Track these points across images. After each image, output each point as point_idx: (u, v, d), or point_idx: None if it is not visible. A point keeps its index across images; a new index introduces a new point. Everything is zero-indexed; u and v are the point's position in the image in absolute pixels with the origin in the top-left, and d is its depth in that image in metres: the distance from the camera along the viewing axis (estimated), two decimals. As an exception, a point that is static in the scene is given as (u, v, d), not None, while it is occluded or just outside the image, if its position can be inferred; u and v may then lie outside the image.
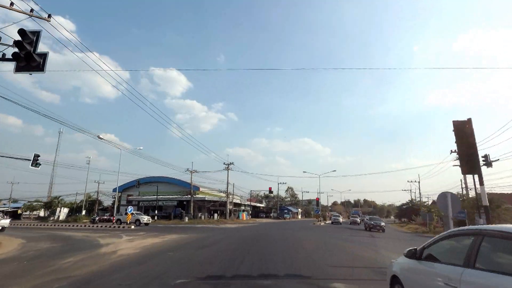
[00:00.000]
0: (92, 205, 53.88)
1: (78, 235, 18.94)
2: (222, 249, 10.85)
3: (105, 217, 36.31)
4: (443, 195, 8.42)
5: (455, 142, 7.46)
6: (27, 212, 59.20)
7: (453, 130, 7.50)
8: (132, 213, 29.94)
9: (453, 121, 7.51)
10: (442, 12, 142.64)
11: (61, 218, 46.64)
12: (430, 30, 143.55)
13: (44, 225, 34.91)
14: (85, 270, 7.09)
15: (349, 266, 7.96)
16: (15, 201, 61.99)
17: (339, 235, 20.72)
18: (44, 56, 7.01)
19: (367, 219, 35.13)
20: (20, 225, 36.18)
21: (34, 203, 58.21)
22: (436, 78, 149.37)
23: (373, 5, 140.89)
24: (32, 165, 22.28)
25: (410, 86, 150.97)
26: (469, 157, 7.05)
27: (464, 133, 7.25)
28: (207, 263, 7.85)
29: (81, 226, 30.99)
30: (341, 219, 46.25)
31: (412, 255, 3.50)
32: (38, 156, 22.71)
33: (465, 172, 7.15)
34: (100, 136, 26.95)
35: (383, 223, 31.08)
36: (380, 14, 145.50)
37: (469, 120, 7.28)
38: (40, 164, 22.96)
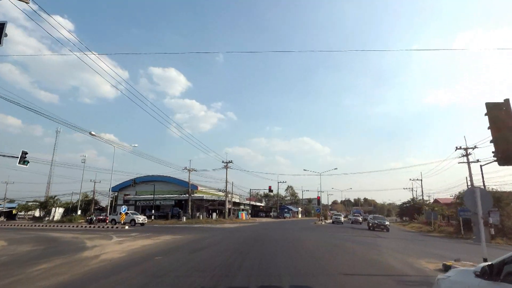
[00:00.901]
0: (88, 205, 52.65)
1: (66, 236, 17.82)
2: (217, 253, 9.74)
3: (101, 217, 35.27)
4: (471, 191, 7.34)
5: (489, 128, 6.35)
6: (22, 213, 57.96)
7: (486, 114, 6.40)
8: (126, 213, 28.79)
9: (486, 103, 6.39)
10: (441, 12, 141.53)
11: (56, 218, 45.44)
12: (429, 30, 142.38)
13: (37, 225, 33.73)
14: (52, 281, 5.97)
15: (364, 274, 6.85)
16: (12, 201, 60.76)
17: (343, 236, 19.65)
18: (0, 26, 5.86)
19: (370, 218, 34.10)
20: (13, 225, 35.05)
21: (30, 203, 56.94)
22: (435, 77, 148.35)
23: (373, 5, 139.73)
24: (19, 163, 21.18)
25: (408, 86, 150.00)
26: (507, 145, 5.94)
27: (500, 117, 6.14)
28: (197, 271, 6.74)
29: (74, 226, 29.86)
30: (342, 218, 45.07)
31: (485, 273, 2.38)
32: (26, 153, 21.58)
33: (502, 163, 6.03)
34: (92, 133, 25.83)
35: (388, 222, 30.05)
36: (379, 14, 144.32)
37: (507, 102, 6.16)
38: (28, 162, 21.83)
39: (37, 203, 54.67)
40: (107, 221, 31.00)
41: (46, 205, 50.74)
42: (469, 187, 35.22)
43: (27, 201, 57.81)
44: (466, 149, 31.94)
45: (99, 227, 27.65)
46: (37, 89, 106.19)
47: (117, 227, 26.19)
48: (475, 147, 31.61)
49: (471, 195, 7.21)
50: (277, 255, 9.29)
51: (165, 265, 7.45)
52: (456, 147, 32.51)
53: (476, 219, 7.19)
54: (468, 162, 31.84)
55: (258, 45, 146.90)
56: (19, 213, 57.97)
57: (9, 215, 55.66)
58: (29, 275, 6.71)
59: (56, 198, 52.50)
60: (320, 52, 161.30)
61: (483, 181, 25.62)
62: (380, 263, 8.28)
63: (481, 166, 26.43)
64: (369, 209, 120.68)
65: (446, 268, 7.34)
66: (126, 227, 26.09)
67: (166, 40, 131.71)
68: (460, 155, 32.81)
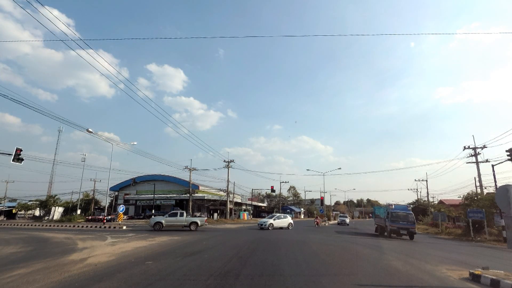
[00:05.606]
0: (88, 204, 52.01)
1: (59, 236, 17.06)
2: (214, 258, 8.87)
3: (100, 217, 34.79)
4: (504, 189, 6.41)
5: None
6: (22, 212, 57.47)
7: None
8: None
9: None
10: (440, 8, 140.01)
11: (55, 217, 44.88)
12: (429, 27, 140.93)
13: (35, 225, 33.07)
14: (19, 291, 5.15)
15: (383, 285, 5.91)
16: (14, 200, 60.36)
17: (350, 238, 18.70)
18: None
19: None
20: (9, 225, 34.43)
21: (29, 203, 56.42)
22: (439, 77, 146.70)
23: (373, 6, 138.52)
24: (13, 161, 20.49)
25: (413, 86, 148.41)
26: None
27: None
28: (189, 280, 5.87)
29: (71, 226, 29.14)
30: (348, 220, 44.15)
31: None
32: (21, 150, 20.88)
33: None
34: (89, 130, 25.13)
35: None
36: (379, 14, 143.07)
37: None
38: (22, 159, 21.16)
39: (37, 202, 54.17)
40: (104, 221, 30.28)
41: (46, 204, 50.16)
42: (477, 187, 34.05)
43: (29, 200, 57.36)
44: (474, 148, 30.81)
45: (95, 227, 26.93)
46: (35, 88, 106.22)
47: (114, 227, 25.44)
48: (484, 146, 30.46)
49: (504, 194, 6.30)
50: (281, 261, 8.40)
51: (154, 271, 6.59)
52: (464, 147, 31.36)
53: (509, 221, 6.27)
54: (477, 162, 30.72)
55: (258, 44, 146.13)
56: (19, 212, 57.48)
57: (9, 214, 55.19)
58: (-2, 283, 5.89)
59: (56, 197, 51.96)
60: (322, 51, 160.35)
61: (495, 182, 24.46)
62: (397, 271, 7.36)
63: (493, 166, 25.26)
64: (371, 210, 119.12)
65: (475, 278, 6.43)
66: (124, 227, 25.33)
67: (166, 36, 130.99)
68: (468, 155, 31.71)
